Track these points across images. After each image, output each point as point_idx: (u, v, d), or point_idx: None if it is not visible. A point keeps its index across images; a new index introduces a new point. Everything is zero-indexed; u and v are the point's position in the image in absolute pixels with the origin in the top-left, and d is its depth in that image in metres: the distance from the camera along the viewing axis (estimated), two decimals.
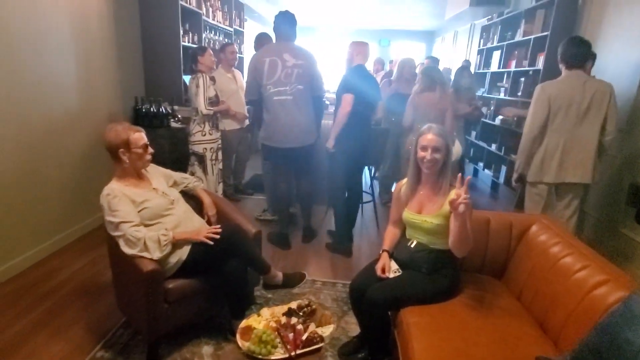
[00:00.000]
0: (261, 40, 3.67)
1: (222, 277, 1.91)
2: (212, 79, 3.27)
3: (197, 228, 1.97)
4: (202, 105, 3.08)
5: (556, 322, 1.53)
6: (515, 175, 2.64)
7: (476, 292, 1.79)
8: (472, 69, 5.67)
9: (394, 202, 1.96)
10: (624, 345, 1.10)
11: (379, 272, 1.78)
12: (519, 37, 4.58)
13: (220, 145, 3.44)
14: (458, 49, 7.97)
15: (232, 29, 5.70)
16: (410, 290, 1.70)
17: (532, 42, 4.22)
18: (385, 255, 1.86)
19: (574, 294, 1.49)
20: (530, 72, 4.28)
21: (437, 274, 1.72)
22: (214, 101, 3.21)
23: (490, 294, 1.80)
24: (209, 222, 2.19)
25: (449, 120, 3.34)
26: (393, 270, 1.78)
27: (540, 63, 3.99)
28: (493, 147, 4.95)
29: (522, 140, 2.51)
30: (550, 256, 1.71)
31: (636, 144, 2.86)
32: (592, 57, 2.74)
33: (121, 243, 1.77)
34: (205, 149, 3.24)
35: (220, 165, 3.50)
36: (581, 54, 2.42)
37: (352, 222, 3.17)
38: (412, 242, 1.81)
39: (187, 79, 4.26)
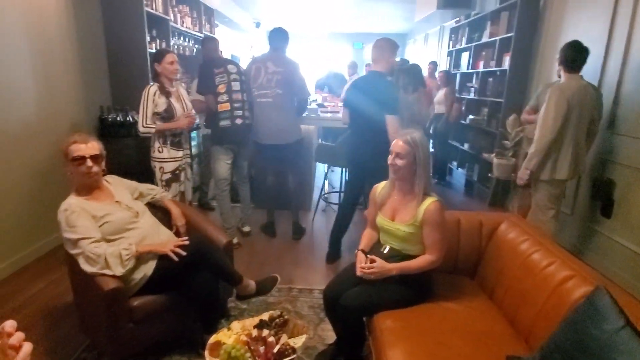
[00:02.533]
0: (207, 42, 3.55)
1: (191, 291, 1.84)
2: (164, 90, 2.65)
3: (164, 241, 1.89)
4: (140, 121, 2.61)
5: (526, 319, 1.54)
6: (526, 173, 2.62)
7: (449, 293, 1.79)
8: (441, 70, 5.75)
9: (370, 204, 1.95)
10: (588, 341, 1.10)
11: (358, 272, 1.73)
12: (485, 39, 4.69)
13: (181, 167, 2.82)
14: (429, 51, 8.10)
15: (202, 35, 5.61)
16: (383, 296, 1.68)
17: (498, 43, 4.32)
18: (360, 255, 1.83)
19: (542, 291, 1.50)
20: (498, 72, 4.38)
21: (409, 279, 1.70)
22: (164, 116, 2.64)
23: (463, 294, 1.80)
24: (177, 234, 2.12)
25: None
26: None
27: (506, 63, 4.08)
28: (466, 146, 5.03)
29: (542, 142, 2.51)
30: (519, 253, 1.72)
31: (598, 140, 2.94)
32: None
33: (80, 261, 1.69)
34: (155, 167, 2.76)
35: (182, 188, 2.88)
36: (582, 59, 2.52)
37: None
38: (385, 248, 1.79)
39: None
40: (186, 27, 5.12)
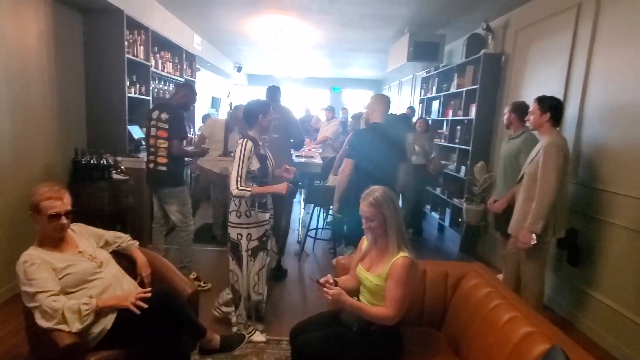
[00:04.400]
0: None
1: (152, 345, 1.78)
2: (257, 146, 2.40)
3: (125, 293, 1.85)
4: (234, 182, 2.25)
5: None
6: (532, 238, 2.45)
7: (415, 347, 1.78)
8: (415, 116, 6.03)
9: (357, 252, 1.96)
10: None
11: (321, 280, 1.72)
12: (453, 89, 4.96)
13: (268, 232, 2.50)
14: (403, 98, 8.48)
15: (182, 79, 5.73)
16: (344, 350, 1.66)
17: (464, 93, 4.59)
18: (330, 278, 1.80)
19: (503, 347, 1.50)
20: (465, 121, 4.61)
21: (371, 335, 1.68)
22: (257, 175, 2.34)
23: (429, 349, 1.80)
24: (142, 284, 2.07)
25: None
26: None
27: (472, 113, 4.32)
28: (438, 190, 5.18)
29: (547, 203, 2.40)
30: (482, 306, 1.74)
31: None
32: None
33: (36, 315, 1.62)
34: (241, 235, 2.38)
35: (268, 258, 2.56)
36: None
37: None
38: (355, 300, 1.80)
39: (132, 129, 4.20)
40: (167, 72, 5.24)
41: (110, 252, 2.09)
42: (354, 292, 1.85)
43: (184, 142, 3.32)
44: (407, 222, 4.73)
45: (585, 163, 2.95)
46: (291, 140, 3.52)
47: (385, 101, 2.94)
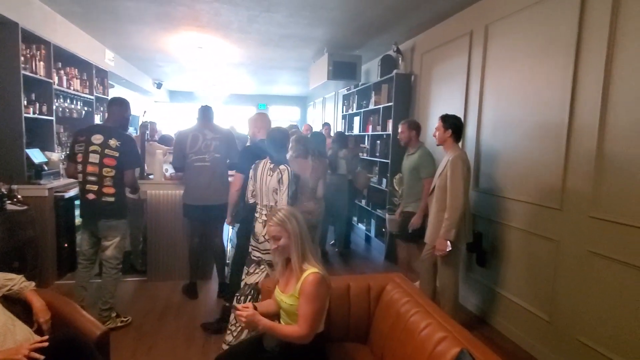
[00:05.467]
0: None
1: None
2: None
3: (17, 345, 1.63)
4: (285, 201, 2.51)
5: None
6: (447, 245, 2.64)
7: None
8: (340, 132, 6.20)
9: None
10: None
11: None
12: (372, 106, 5.24)
13: None
14: (327, 114, 8.73)
15: (93, 97, 5.31)
16: None
17: (381, 110, 4.85)
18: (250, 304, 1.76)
19: (421, 354, 1.57)
20: (384, 136, 4.87)
21: (295, 357, 1.67)
22: (292, 197, 2.62)
23: None
24: (39, 331, 1.84)
25: (321, 187, 3.58)
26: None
27: (390, 128, 4.58)
28: (363, 202, 5.37)
29: (458, 213, 2.60)
30: (402, 316, 1.81)
31: None
32: None
33: None
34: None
35: None
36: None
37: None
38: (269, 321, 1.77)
39: (31, 152, 3.78)
40: (74, 89, 4.82)
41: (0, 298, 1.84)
42: (276, 316, 1.82)
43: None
44: (343, 237, 4.83)
45: (484, 173, 3.27)
46: (227, 161, 3.47)
47: (268, 119, 3.25)
